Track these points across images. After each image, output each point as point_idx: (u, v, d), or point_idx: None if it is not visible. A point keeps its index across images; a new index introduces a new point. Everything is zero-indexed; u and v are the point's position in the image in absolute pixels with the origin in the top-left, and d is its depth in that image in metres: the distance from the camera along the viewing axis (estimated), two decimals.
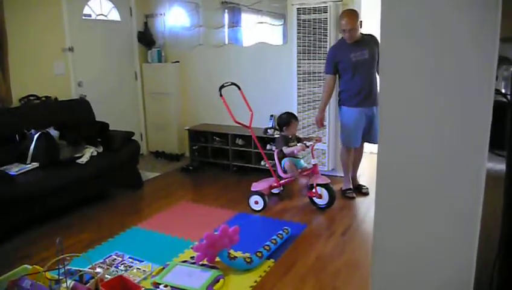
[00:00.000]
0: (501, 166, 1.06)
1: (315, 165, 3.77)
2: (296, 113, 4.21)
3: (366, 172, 4.64)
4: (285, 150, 3.81)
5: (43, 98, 4.35)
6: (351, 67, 3.77)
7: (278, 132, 3.91)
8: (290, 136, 3.91)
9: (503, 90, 1.25)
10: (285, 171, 3.87)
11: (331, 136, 4.53)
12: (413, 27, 0.91)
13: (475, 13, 0.84)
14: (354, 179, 4.30)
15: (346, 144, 4.04)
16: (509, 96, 0.97)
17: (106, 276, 2.47)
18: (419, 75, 0.93)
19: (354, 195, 4.11)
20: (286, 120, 3.90)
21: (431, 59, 0.91)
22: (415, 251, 1.01)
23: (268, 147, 4.65)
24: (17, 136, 3.80)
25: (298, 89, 4.54)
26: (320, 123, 4.07)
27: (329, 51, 3.97)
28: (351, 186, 4.20)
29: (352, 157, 4.15)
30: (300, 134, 4.26)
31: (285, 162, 3.83)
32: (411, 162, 0.98)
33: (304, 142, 3.89)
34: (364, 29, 4.32)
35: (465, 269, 0.95)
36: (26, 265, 2.40)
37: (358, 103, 3.83)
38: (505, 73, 1.27)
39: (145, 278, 2.70)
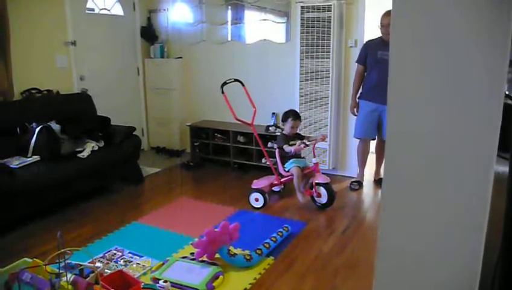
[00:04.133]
0: (504, 168, 1.07)
1: (316, 164, 3.77)
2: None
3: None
4: (286, 148, 3.80)
5: (45, 92, 4.34)
6: (374, 62, 3.94)
7: (279, 130, 3.91)
8: (290, 134, 3.89)
9: (506, 92, 1.25)
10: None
11: (332, 135, 4.53)
12: (423, 27, 0.91)
13: (486, 13, 0.84)
14: (377, 172, 4.53)
15: (355, 134, 4.27)
16: None
17: (106, 270, 2.47)
18: (428, 75, 0.93)
19: (358, 188, 4.31)
20: (284, 116, 3.94)
21: (441, 59, 0.90)
22: (421, 251, 1.01)
23: (269, 144, 4.65)
24: (18, 129, 3.80)
25: (300, 87, 4.53)
26: (351, 109, 4.28)
27: (365, 43, 4.18)
28: (359, 179, 4.40)
29: (367, 150, 4.34)
30: (301, 131, 4.25)
31: (292, 170, 3.80)
32: (419, 162, 0.97)
33: (304, 140, 3.86)
34: (367, 30, 4.35)
35: (471, 269, 0.95)
36: (26, 258, 2.41)
37: (371, 97, 3.98)
38: (509, 75, 1.27)
39: (144, 273, 2.71)
